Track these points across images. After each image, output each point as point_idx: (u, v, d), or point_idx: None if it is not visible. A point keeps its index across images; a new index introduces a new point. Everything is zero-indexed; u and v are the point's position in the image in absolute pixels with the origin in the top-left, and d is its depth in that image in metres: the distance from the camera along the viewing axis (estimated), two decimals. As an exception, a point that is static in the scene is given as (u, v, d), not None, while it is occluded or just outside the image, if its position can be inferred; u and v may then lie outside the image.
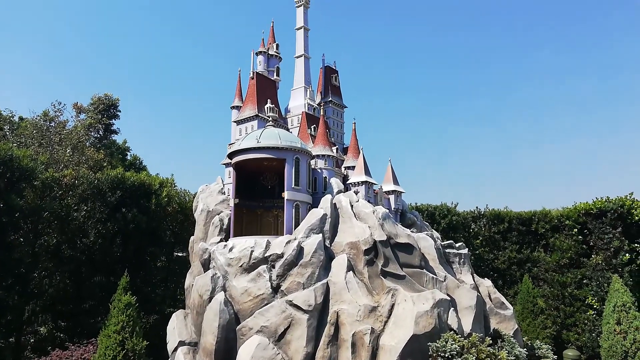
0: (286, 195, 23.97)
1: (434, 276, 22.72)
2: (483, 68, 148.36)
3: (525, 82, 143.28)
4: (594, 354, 39.99)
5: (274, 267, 21.90)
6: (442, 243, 26.27)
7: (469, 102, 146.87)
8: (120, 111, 61.88)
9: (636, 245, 42.82)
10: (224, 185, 28.91)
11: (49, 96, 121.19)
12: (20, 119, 50.99)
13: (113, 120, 62.32)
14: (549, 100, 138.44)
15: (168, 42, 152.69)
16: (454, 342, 18.92)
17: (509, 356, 20.13)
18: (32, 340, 31.95)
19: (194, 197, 39.49)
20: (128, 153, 65.21)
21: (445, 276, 23.24)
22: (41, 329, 32.81)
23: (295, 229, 23.57)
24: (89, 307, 31.36)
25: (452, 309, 21.06)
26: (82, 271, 31.80)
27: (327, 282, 21.45)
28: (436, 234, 27.45)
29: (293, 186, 24.11)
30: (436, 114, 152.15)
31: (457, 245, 27.10)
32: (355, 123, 29.91)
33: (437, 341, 19.13)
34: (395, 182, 28.56)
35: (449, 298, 21.12)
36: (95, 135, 60.54)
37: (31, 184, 30.32)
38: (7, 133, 48.55)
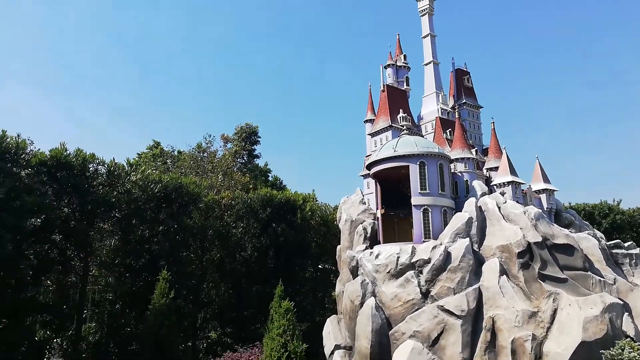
0: (414, 200, 23.89)
1: (601, 279, 20.70)
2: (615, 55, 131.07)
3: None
4: None
5: (421, 273, 21.95)
6: (608, 243, 23.80)
7: (612, 87, 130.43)
8: (260, 137, 67.26)
9: None
10: (363, 195, 29.83)
11: (199, 130, 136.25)
12: (179, 152, 58.38)
13: (254, 146, 68.01)
14: None
15: (298, 65, 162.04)
16: (632, 350, 17.00)
17: None
18: (204, 344, 35.98)
19: (335, 210, 41.31)
20: (269, 174, 70.46)
21: (614, 279, 21.03)
22: (211, 334, 36.80)
23: (424, 234, 23.40)
24: (249, 314, 34.35)
25: (625, 314, 18.99)
26: (242, 282, 35.06)
27: (478, 287, 20.87)
28: (599, 234, 24.96)
29: (420, 190, 23.97)
30: (579, 104, 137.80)
31: (626, 245, 24.32)
32: (493, 122, 28.81)
33: (612, 349, 17.39)
34: (546, 180, 26.72)
35: (621, 302, 19.08)
36: (241, 161, 66.62)
37: (197, 206, 34.54)
38: (170, 166, 56.00)
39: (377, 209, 26.28)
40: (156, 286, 26.13)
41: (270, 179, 70.28)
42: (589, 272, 20.96)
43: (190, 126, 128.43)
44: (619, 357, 16.84)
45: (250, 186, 51.83)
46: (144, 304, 26.78)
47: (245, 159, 68.11)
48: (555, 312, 19.23)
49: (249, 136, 67.53)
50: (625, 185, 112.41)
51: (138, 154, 60.75)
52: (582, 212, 39.69)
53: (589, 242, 22.56)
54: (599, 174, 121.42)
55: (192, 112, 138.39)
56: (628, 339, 17.78)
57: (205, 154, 56.05)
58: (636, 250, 23.68)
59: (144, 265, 30.49)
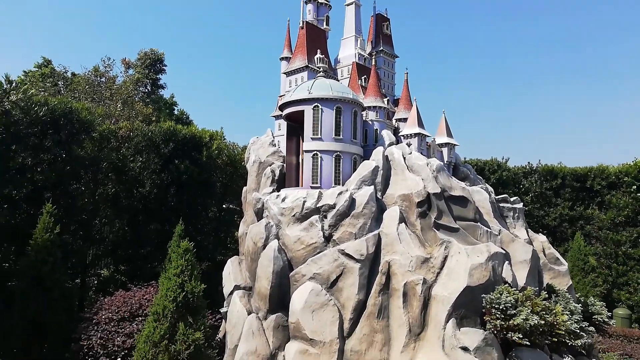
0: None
1: (489, 230, 22.37)
2: (544, 19, 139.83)
3: (583, 37, 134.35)
4: (646, 314, 39.04)
5: (326, 217, 22.10)
6: (497, 197, 25.68)
7: (522, 55, 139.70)
8: (166, 66, 62.75)
9: (700, 204, 40.59)
10: (274, 137, 29.05)
11: (98, 52, 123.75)
12: (73, 75, 52.54)
13: (160, 75, 63.38)
14: (608, 57, 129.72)
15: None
16: (508, 295, 18.75)
17: (563, 311, 19.84)
18: (95, 281, 34.16)
19: (243, 150, 40.15)
20: (175, 108, 66.47)
21: (499, 230, 22.84)
22: (103, 271, 34.97)
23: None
24: (146, 252, 32.96)
25: (506, 262, 20.77)
26: (139, 219, 33.27)
27: (378, 233, 21.52)
28: (490, 188, 26.82)
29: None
30: (488, 67, 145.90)
31: (511, 199, 26.44)
32: (407, 74, 29.04)
33: (492, 293, 19.03)
34: (449, 134, 27.82)
35: (504, 251, 20.80)
36: (144, 90, 61.85)
37: (90, 135, 31.47)
38: (62, 88, 50.33)
39: (286, 151, 25.70)
40: (39, 220, 23.87)
41: (176, 112, 66.46)
42: (479, 223, 22.54)
43: (88, 46, 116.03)
44: (497, 300, 18.51)
45: (153, 118, 48.51)
46: (25, 238, 24.39)
47: (149, 88, 63.45)
48: (445, 258, 20.49)
49: (153, 63, 62.62)
50: (513, 144, 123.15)
51: (24, 71, 53.78)
52: (475, 167, 42.60)
53: (481, 195, 24.13)
54: (494, 131, 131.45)
55: (90, 31, 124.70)
56: (506, 285, 19.57)
57: (103, 79, 51.07)
58: (519, 205, 25.87)
59: (26, 197, 27.57)
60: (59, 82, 51.54)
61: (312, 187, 23.63)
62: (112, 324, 23.58)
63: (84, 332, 22.76)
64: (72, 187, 30.61)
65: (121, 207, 33.10)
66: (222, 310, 25.14)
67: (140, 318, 23.86)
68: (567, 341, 19.28)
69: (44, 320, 22.62)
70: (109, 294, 27.79)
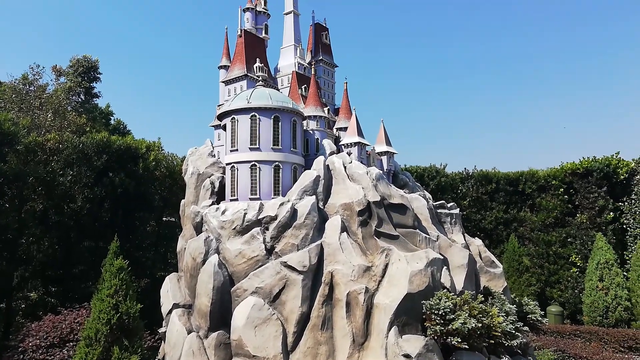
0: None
1: (427, 236, 22.84)
2: (476, 21, 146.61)
3: (516, 35, 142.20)
4: (576, 310, 41.44)
5: (267, 229, 21.76)
6: (434, 203, 26.35)
7: (459, 61, 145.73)
8: (101, 73, 59.97)
9: (620, 204, 43.73)
10: (213, 147, 28.37)
11: (26, 59, 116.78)
12: (-1, 83, 49.09)
13: (94, 83, 60.50)
14: (536, 58, 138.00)
15: (151, 0, 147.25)
16: (447, 300, 19.18)
17: (499, 312, 20.54)
18: (22, 305, 31.83)
19: (182, 161, 38.97)
20: (111, 117, 63.73)
21: (437, 236, 23.39)
22: (31, 294, 32.66)
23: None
24: (79, 272, 31.22)
25: (444, 267, 21.29)
26: (71, 236, 31.45)
27: (321, 244, 21.43)
28: (428, 195, 27.49)
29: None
30: (426, 75, 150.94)
31: (448, 205, 27.22)
32: (346, 83, 29.31)
33: (431, 299, 19.38)
34: (388, 143, 28.30)
35: (442, 257, 21.29)
36: (77, 99, 58.81)
37: (14, 148, 29.44)
38: (-15, 98, 46.88)
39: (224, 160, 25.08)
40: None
41: (112, 122, 63.68)
42: (417, 230, 22.97)
43: (15, 53, 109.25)
44: (437, 306, 18.88)
45: (87, 129, 46.13)
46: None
47: (82, 97, 60.31)
48: (386, 266, 20.69)
49: (87, 71, 59.62)
50: (451, 150, 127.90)
51: (-58, 80, 49.58)
52: (414, 174, 43.73)
53: (419, 202, 24.64)
54: (432, 139, 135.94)
55: (18, 37, 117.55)
56: (445, 290, 20.02)
57: (32, 88, 48.03)
58: (456, 211, 26.67)
59: (-60, 217, 25.36)
60: (-19, 91, 47.98)
61: (250, 199, 23.20)
62: (40, 352, 22.06)
63: (7, 362, 21.10)
64: (-5, 205, 28.49)
65: (50, 225, 31.13)
66: (161, 330, 24.09)
67: (71, 344, 22.50)
68: (504, 342, 19.96)
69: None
70: (38, 318, 26.00)
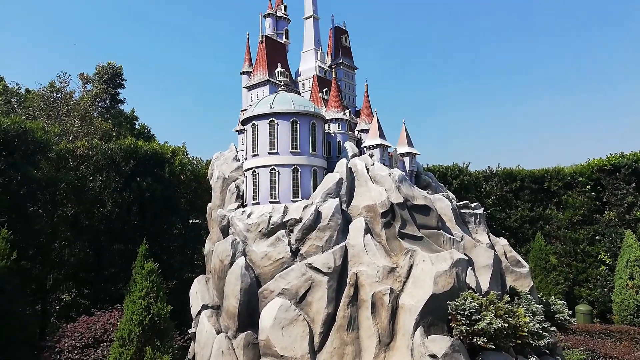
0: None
1: (451, 236, 22.86)
2: (494, 20, 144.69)
3: (538, 34, 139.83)
4: (605, 309, 40.66)
5: (292, 232, 22.13)
6: (458, 203, 26.30)
7: (481, 59, 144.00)
8: (125, 80, 61.34)
9: (650, 200, 42.65)
10: (237, 152, 28.88)
11: (53, 68, 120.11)
12: (27, 91, 50.75)
13: (119, 89, 61.92)
14: (561, 56, 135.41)
15: (173, 8, 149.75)
16: (472, 300, 19.21)
17: (526, 312, 20.45)
18: (57, 307, 32.94)
19: (206, 165, 39.70)
20: (136, 122, 65.09)
21: (462, 236, 23.37)
22: (65, 296, 33.78)
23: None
24: (109, 274, 32.11)
25: (469, 268, 21.27)
26: (101, 240, 32.41)
27: (345, 245, 21.69)
28: (451, 195, 27.44)
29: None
30: (447, 73, 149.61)
31: (472, 205, 27.13)
32: (367, 85, 29.46)
33: (456, 300, 19.43)
34: (410, 144, 28.35)
35: (466, 258, 21.29)
36: (103, 105, 60.29)
37: (46, 155, 30.51)
38: (15, 106, 48.49)
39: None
40: (-7, 247, 22.92)
41: (137, 127, 65.04)
42: (442, 231, 23.01)
43: (42, 62, 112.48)
44: (462, 306, 18.93)
45: (113, 134, 47.31)
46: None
47: (108, 103, 61.78)
48: (411, 267, 20.83)
49: (112, 78, 61.02)
50: (473, 149, 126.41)
51: (-26, 90, 51.45)
52: (437, 173, 43.49)
53: (442, 203, 24.66)
54: (455, 137, 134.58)
55: (45, 47, 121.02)
56: (470, 291, 20.04)
57: (60, 95, 49.49)
58: (480, 211, 26.58)
59: (-22, 223, 26.42)
60: (12, 100, 49.69)
61: (270, 202, 23.55)
62: (75, 352, 22.87)
63: (46, 362, 21.96)
64: (29, 210, 29.55)
65: (82, 229, 32.17)
66: (191, 330, 24.71)
67: (105, 344, 23.24)
68: (531, 342, 19.89)
69: (2, 354, 21.66)
70: (72, 319, 26.93)
